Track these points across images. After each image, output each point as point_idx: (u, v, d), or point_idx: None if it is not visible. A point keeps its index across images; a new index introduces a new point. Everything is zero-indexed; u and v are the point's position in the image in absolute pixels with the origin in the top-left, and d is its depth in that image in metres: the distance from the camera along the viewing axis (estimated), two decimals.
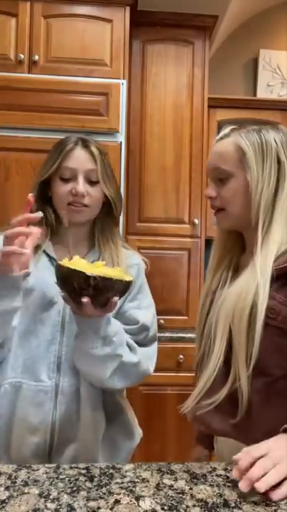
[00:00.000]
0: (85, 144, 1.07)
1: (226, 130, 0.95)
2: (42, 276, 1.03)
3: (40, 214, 0.91)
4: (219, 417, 0.88)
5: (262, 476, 0.66)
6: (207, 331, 0.94)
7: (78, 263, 0.84)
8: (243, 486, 0.65)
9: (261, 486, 0.64)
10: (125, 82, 2.07)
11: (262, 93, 2.84)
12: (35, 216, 0.90)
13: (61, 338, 1.02)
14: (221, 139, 0.95)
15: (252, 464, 0.68)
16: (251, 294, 0.84)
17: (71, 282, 0.82)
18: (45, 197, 1.09)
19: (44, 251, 1.08)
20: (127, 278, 0.86)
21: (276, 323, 0.83)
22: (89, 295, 0.81)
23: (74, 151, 1.06)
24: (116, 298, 0.84)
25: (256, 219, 0.89)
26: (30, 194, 0.94)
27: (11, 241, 0.86)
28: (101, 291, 0.82)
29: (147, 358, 1.05)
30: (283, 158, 0.89)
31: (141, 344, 1.05)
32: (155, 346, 1.10)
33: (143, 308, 1.09)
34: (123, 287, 0.85)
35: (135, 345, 1.03)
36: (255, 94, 2.86)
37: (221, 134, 0.96)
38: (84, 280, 0.80)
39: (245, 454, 0.70)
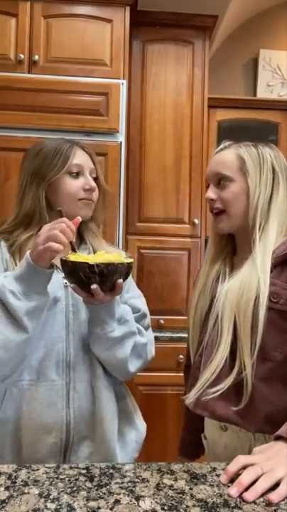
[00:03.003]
0: (80, 146, 1.13)
1: (225, 144, 1.07)
2: None
3: (79, 219, 0.97)
4: (222, 403, 0.93)
5: (253, 482, 0.66)
6: (210, 325, 0.99)
7: (79, 256, 0.91)
8: (232, 491, 0.65)
9: (249, 498, 0.64)
10: (125, 82, 2.07)
11: (262, 93, 2.85)
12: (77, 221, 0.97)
13: (67, 336, 1.02)
14: (221, 150, 1.06)
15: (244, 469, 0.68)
16: (253, 287, 0.92)
17: (77, 274, 0.88)
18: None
19: None
20: (127, 260, 0.92)
21: (278, 307, 0.91)
22: (96, 282, 0.88)
23: (75, 150, 1.10)
24: (120, 280, 0.90)
25: (254, 220, 0.98)
26: (78, 217, 0.98)
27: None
28: (107, 276, 0.88)
29: (150, 341, 1.12)
30: (277, 169, 1.01)
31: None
32: (151, 332, 1.16)
33: (137, 297, 1.15)
34: (126, 269, 0.91)
35: (141, 328, 1.08)
36: (255, 94, 2.86)
37: (221, 146, 1.07)
38: (89, 269, 0.86)
39: (235, 461, 0.71)
